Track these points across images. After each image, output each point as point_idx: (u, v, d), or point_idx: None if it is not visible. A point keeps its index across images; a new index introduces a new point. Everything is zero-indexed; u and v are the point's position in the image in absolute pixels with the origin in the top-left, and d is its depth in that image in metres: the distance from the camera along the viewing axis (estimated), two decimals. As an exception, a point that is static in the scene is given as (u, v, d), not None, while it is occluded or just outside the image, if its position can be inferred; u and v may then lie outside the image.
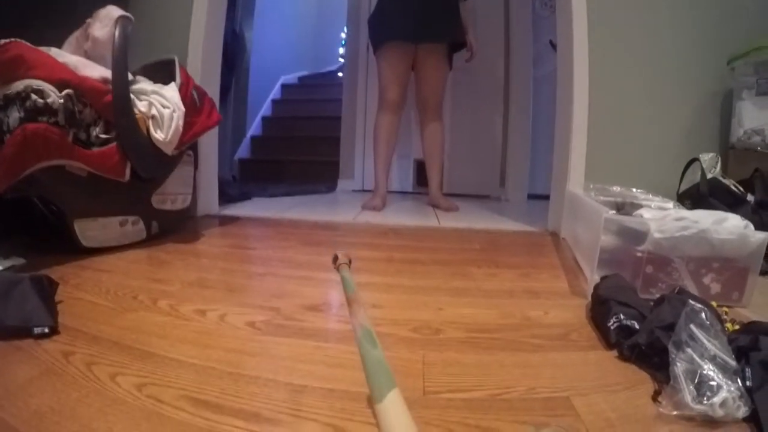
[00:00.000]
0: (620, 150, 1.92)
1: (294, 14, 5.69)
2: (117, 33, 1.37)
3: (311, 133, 4.69)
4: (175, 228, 1.73)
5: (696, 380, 0.57)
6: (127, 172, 1.42)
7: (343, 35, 4.80)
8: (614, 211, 1.19)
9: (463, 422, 0.56)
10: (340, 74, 4.87)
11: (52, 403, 0.56)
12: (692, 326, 0.63)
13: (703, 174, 1.57)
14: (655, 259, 1.03)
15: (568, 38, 1.93)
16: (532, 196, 3.40)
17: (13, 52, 1.16)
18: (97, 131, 1.34)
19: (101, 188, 1.36)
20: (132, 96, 1.42)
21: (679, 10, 1.91)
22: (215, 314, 0.90)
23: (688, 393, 0.57)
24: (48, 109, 1.16)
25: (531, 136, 3.43)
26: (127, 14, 1.44)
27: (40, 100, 1.14)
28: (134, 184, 1.46)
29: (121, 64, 1.36)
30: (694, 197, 1.55)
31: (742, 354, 0.62)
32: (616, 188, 1.51)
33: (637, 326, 0.76)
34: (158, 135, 1.45)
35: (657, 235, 1.01)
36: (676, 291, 0.79)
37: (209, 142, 2.12)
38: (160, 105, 1.48)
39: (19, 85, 1.14)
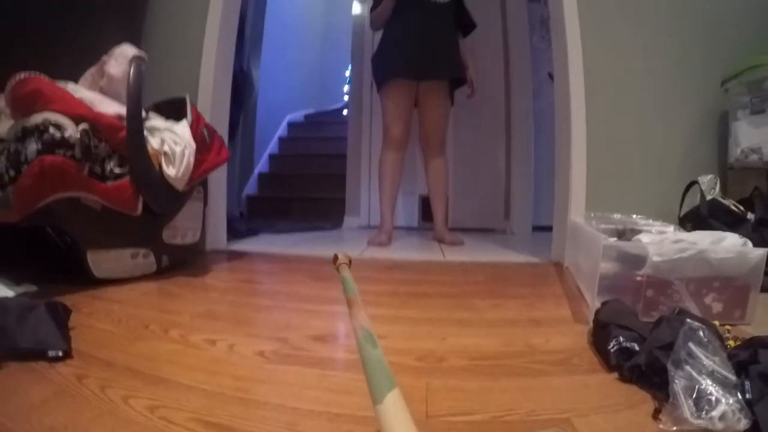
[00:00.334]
0: (620, 178, 1.95)
1: (300, 53, 5.81)
2: (132, 72, 1.42)
3: (317, 171, 4.74)
4: (184, 262, 1.75)
5: (694, 395, 0.58)
6: (140, 206, 1.45)
7: (348, 73, 4.89)
8: (615, 238, 1.21)
9: (466, 442, 0.57)
10: (345, 112, 4.95)
11: (66, 422, 0.58)
12: (690, 344, 0.65)
13: (703, 196, 1.59)
14: (655, 282, 1.05)
15: (564, 70, 1.99)
16: (537, 228, 3.42)
17: (32, 86, 1.20)
18: (111, 165, 1.38)
19: (114, 221, 1.39)
20: (145, 132, 1.47)
21: (672, 35, 1.97)
22: (224, 344, 0.91)
23: (687, 408, 0.57)
24: (65, 143, 1.20)
25: (534, 168, 3.47)
26: (142, 53, 1.50)
27: (58, 134, 1.18)
28: (146, 218, 1.49)
29: (135, 102, 1.40)
30: (695, 220, 1.57)
31: (742, 368, 0.63)
32: (617, 216, 1.53)
33: (637, 348, 0.77)
34: (170, 171, 1.49)
35: (656, 258, 1.03)
36: (675, 312, 0.81)
37: (218, 179, 2.16)
38: (172, 142, 1.52)
39: (37, 118, 1.18)
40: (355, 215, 3.77)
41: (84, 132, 1.26)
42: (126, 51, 1.52)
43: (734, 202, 1.55)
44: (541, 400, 0.69)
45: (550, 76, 2.99)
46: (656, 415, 0.62)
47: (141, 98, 1.44)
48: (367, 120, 3.73)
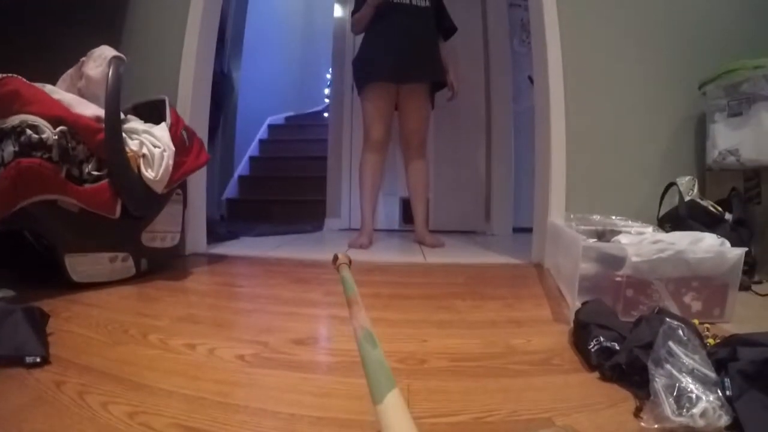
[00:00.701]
0: (599, 179, 1.97)
1: (280, 55, 5.80)
2: (111, 73, 1.40)
3: (298, 173, 4.72)
4: (163, 265, 1.73)
5: (675, 393, 0.59)
6: (118, 209, 1.43)
7: (329, 76, 4.89)
8: (594, 239, 1.22)
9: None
10: (326, 114, 4.94)
11: (45, 429, 0.57)
12: (670, 343, 0.66)
13: (681, 197, 1.61)
14: (635, 282, 1.06)
15: (543, 73, 2.01)
16: (517, 230, 3.44)
17: (10, 87, 1.18)
18: (89, 168, 1.36)
19: (92, 224, 1.37)
20: (123, 135, 1.45)
21: (650, 40, 2.00)
22: (204, 348, 0.90)
23: (668, 406, 0.58)
24: (42, 145, 1.18)
25: (514, 170, 3.50)
26: (121, 55, 1.48)
27: (35, 136, 1.16)
28: (125, 221, 1.47)
29: (114, 104, 1.39)
30: (674, 220, 1.59)
31: (721, 366, 0.64)
32: (596, 217, 1.55)
33: (617, 347, 0.78)
34: (149, 174, 1.47)
35: (635, 259, 1.04)
36: (655, 311, 0.81)
37: (198, 182, 2.14)
38: (150, 144, 1.50)
39: (14, 120, 1.16)
40: (335, 217, 3.76)
41: (62, 134, 1.24)
42: (105, 52, 1.50)
43: (712, 203, 1.58)
44: (522, 400, 0.69)
45: (530, 79, 3.03)
46: (637, 413, 0.63)
47: (120, 100, 1.42)
48: (348, 122, 3.73)
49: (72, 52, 1.60)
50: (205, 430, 0.59)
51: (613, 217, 1.57)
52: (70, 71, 1.60)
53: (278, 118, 5.77)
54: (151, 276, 1.58)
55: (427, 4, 2.54)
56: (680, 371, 0.62)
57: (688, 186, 1.65)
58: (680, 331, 0.67)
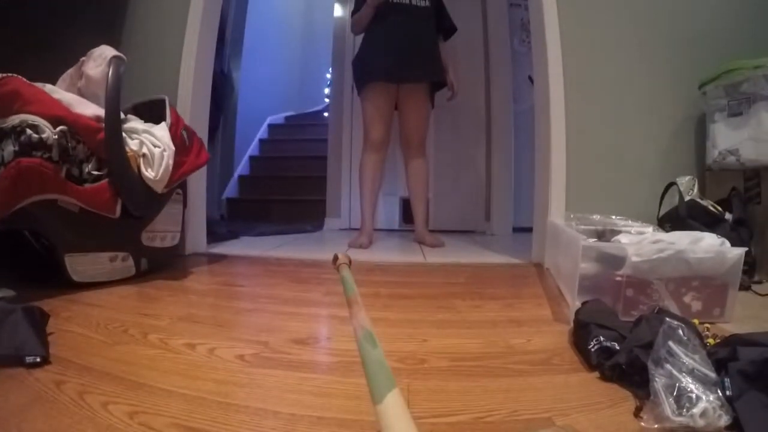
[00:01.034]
0: (599, 179, 1.97)
1: (280, 55, 5.80)
2: (111, 73, 1.40)
3: (298, 173, 4.72)
4: (164, 265, 1.73)
5: (675, 393, 0.59)
6: (118, 208, 1.44)
7: (329, 76, 4.89)
8: (594, 239, 1.22)
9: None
10: (326, 114, 4.94)
11: (45, 428, 0.57)
12: (670, 343, 0.66)
13: (681, 197, 1.61)
14: (635, 282, 1.06)
15: (543, 73, 2.01)
16: (517, 229, 3.44)
17: (10, 87, 1.18)
18: (89, 168, 1.36)
19: (92, 224, 1.37)
20: (123, 134, 1.45)
21: (650, 40, 2.00)
22: (204, 348, 0.90)
23: (668, 406, 0.58)
24: (42, 145, 1.18)
25: (514, 170, 3.50)
26: (121, 54, 1.48)
27: (35, 135, 1.16)
28: (125, 220, 1.47)
29: (114, 103, 1.39)
30: (674, 220, 1.59)
31: (721, 365, 0.64)
32: (596, 217, 1.55)
33: (617, 347, 0.78)
34: (149, 173, 1.47)
35: (635, 258, 1.04)
36: (655, 311, 0.81)
37: (198, 181, 2.14)
38: (150, 144, 1.50)
39: (14, 119, 1.16)
40: (336, 217, 3.76)
41: (62, 134, 1.24)
42: (105, 52, 1.50)
43: (712, 203, 1.58)
44: (522, 400, 0.69)
45: (531, 79, 3.03)
46: (637, 413, 0.62)
47: (120, 100, 1.42)
48: (348, 122, 3.73)
49: (72, 51, 1.60)
50: (205, 430, 0.59)
51: (613, 217, 1.57)
52: (70, 71, 1.60)
53: (278, 118, 5.77)
54: (151, 276, 1.58)
55: (427, 4, 2.54)
56: (680, 371, 0.62)
57: (688, 186, 1.65)
58: (680, 331, 0.67)
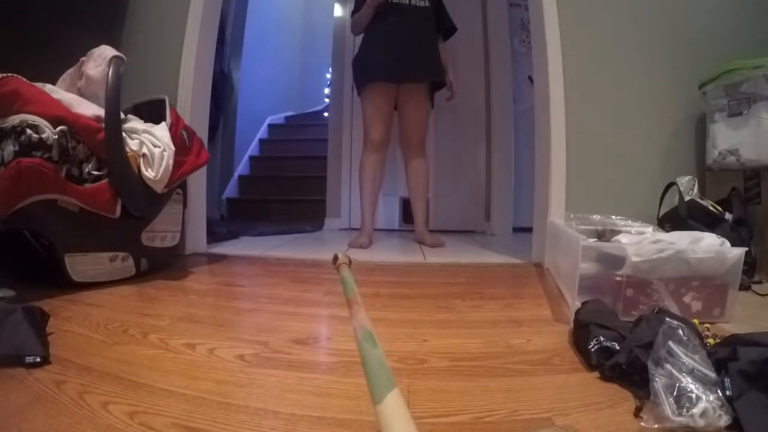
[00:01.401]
0: (599, 179, 1.97)
1: (280, 55, 5.80)
2: (111, 73, 1.40)
3: (298, 173, 4.72)
4: (163, 265, 1.73)
5: (675, 393, 0.59)
6: (118, 208, 1.43)
7: (329, 76, 4.89)
8: (594, 239, 1.22)
9: (448, 444, 0.57)
10: (326, 114, 4.94)
11: (45, 428, 0.57)
12: (670, 343, 0.66)
13: (681, 197, 1.61)
14: (635, 282, 1.06)
15: (543, 73, 2.01)
16: (517, 229, 3.44)
17: (10, 87, 1.18)
18: (89, 168, 1.36)
19: (92, 224, 1.37)
20: (123, 134, 1.45)
21: (650, 40, 2.00)
22: (204, 348, 0.90)
23: (668, 406, 0.58)
24: (42, 145, 1.18)
25: (514, 170, 3.50)
26: (121, 54, 1.48)
27: (35, 135, 1.16)
28: (125, 220, 1.47)
29: (114, 103, 1.39)
30: (674, 220, 1.59)
31: (721, 365, 0.64)
32: (596, 217, 1.55)
33: (617, 347, 0.78)
34: (149, 173, 1.48)
35: (635, 258, 1.04)
36: (655, 311, 0.82)
37: (198, 181, 2.14)
38: (150, 144, 1.50)
39: (14, 119, 1.16)
40: (336, 217, 3.77)
41: (61, 134, 1.24)
42: (105, 52, 1.50)
43: (712, 203, 1.58)
44: (522, 400, 0.69)
45: (530, 79, 3.03)
46: (637, 413, 0.63)
47: (120, 100, 1.42)
48: (348, 122, 3.73)
49: (72, 52, 1.60)
50: (205, 430, 0.59)
51: (613, 217, 1.57)
52: (70, 71, 1.59)
53: (278, 118, 5.76)
54: (151, 276, 1.58)
55: (427, 4, 2.54)
56: (680, 371, 0.62)
57: (688, 186, 1.65)
58: (680, 331, 0.67)
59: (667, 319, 0.71)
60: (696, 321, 0.81)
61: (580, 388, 0.73)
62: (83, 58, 1.56)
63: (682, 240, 1.08)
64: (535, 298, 1.38)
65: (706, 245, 1.07)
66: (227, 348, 0.90)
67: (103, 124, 1.37)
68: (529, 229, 2.20)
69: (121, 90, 1.42)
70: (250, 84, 4.67)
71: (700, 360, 0.63)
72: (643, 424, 0.60)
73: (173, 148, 1.56)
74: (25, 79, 1.23)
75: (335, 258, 0.77)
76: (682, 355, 0.64)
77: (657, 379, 0.62)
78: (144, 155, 1.48)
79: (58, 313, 1.07)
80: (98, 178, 1.38)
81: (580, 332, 0.89)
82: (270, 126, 5.58)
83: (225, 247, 2.40)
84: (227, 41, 3.86)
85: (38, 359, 0.76)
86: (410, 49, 2.48)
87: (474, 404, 0.68)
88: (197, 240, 2.20)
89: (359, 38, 2.70)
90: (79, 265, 1.34)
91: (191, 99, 2.09)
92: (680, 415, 0.57)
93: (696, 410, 0.57)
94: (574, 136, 1.94)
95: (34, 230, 1.31)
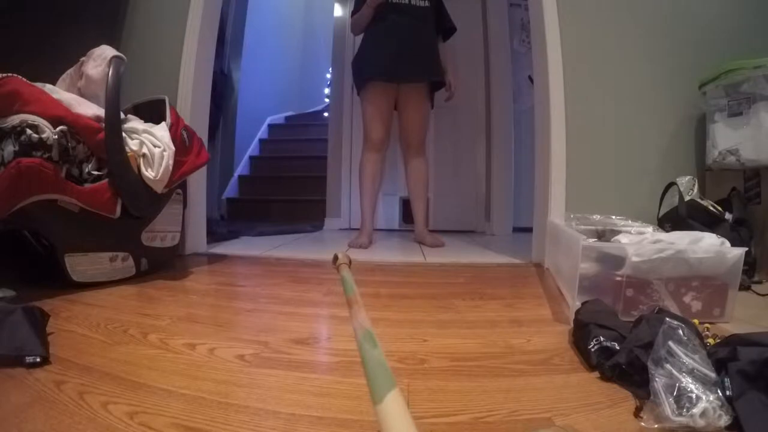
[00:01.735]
0: (599, 179, 1.97)
1: (280, 55, 5.80)
2: (111, 73, 1.40)
3: (298, 173, 4.72)
4: (163, 265, 1.73)
5: (675, 393, 0.59)
6: (118, 208, 1.43)
7: (329, 76, 4.89)
8: (595, 239, 1.22)
9: (448, 444, 0.57)
10: (326, 114, 4.94)
11: (45, 429, 0.56)
12: (670, 343, 0.66)
13: (681, 197, 1.61)
14: (635, 282, 1.06)
15: (543, 73, 2.01)
16: (517, 229, 3.45)
17: (10, 87, 1.18)
18: (89, 168, 1.36)
19: (92, 224, 1.37)
20: (123, 134, 1.45)
21: (650, 40, 2.00)
22: (204, 348, 0.90)
23: (668, 406, 0.58)
24: (42, 145, 1.18)
25: (514, 170, 3.50)
26: (121, 54, 1.48)
27: (35, 135, 1.16)
28: (124, 221, 1.47)
29: (114, 104, 1.39)
30: (674, 220, 1.59)
31: (721, 365, 0.64)
32: (596, 217, 1.55)
33: (617, 347, 0.78)
34: (149, 173, 1.48)
35: (635, 258, 1.04)
36: (655, 311, 0.81)
37: (198, 181, 2.14)
38: (151, 144, 1.50)
39: (14, 119, 1.16)
40: (336, 217, 3.77)
41: (61, 134, 1.24)
42: (105, 52, 1.50)
43: (712, 203, 1.58)
44: (522, 400, 0.69)
45: (530, 79, 3.03)
46: (637, 413, 0.63)
47: (119, 100, 1.42)
48: (348, 122, 3.73)
49: (72, 51, 1.60)
50: (205, 430, 0.59)
51: (613, 217, 1.57)
52: (70, 71, 1.59)
53: (278, 118, 5.77)
54: (151, 276, 1.58)
55: (427, 4, 2.54)
56: (680, 371, 0.62)
57: (688, 186, 1.65)
58: (680, 331, 0.67)
59: (667, 319, 0.71)
60: (696, 321, 0.80)
61: (580, 388, 0.73)
62: (83, 58, 1.56)
63: (682, 240, 1.08)
64: (534, 298, 1.38)
65: (706, 245, 1.07)
66: (227, 348, 0.90)
67: (103, 124, 1.37)
68: (529, 229, 2.20)
69: (121, 90, 1.42)
70: (250, 84, 4.67)
71: (700, 360, 0.63)
72: (643, 424, 0.60)
73: (173, 148, 1.56)
74: (25, 79, 1.23)
75: (335, 258, 0.76)
76: (682, 355, 0.64)
77: (657, 379, 0.62)
78: (144, 155, 1.48)
79: (58, 313, 1.07)
80: (98, 178, 1.38)
81: (580, 332, 0.89)
82: (270, 126, 5.58)
83: (225, 247, 2.40)
84: (227, 41, 3.86)
85: (38, 359, 0.76)
86: (410, 49, 2.48)
87: (474, 404, 0.68)
88: (197, 240, 2.20)
89: (359, 38, 2.70)
90: (79, 265, 1.34)
91: (191, 99, 2.09)
92: (680, 415, 0.57)
93: (696, 410, 0.57)
94: (574, 136, 1.94)
95: (34, 230, 1.31)
